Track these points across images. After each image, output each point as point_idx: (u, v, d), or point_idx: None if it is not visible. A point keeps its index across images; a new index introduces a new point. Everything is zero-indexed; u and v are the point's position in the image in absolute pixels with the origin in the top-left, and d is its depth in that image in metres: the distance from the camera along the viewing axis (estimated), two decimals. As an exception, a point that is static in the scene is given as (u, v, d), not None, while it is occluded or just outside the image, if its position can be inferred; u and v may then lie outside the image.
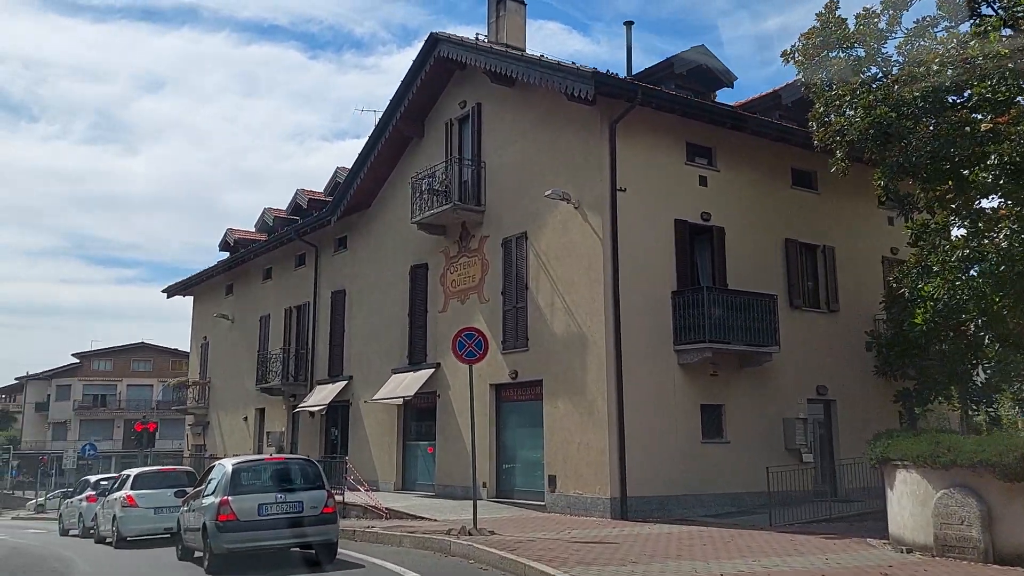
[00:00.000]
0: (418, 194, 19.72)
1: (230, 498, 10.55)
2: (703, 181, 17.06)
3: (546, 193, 16.03)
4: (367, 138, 22.07)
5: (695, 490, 15.71)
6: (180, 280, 35.38)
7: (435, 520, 15.08)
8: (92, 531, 18.14)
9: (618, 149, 15.73)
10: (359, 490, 18.70)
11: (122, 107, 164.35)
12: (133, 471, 16.94)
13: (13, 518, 42.86)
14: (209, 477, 11.77)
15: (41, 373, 78.52)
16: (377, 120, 21.83)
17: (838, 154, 14.24)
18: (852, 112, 13.61)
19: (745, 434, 16.64)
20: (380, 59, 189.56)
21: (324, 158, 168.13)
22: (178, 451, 43.72)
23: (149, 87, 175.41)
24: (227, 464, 11.29)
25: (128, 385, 77.02)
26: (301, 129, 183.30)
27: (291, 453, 26.60)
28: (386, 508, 16.97)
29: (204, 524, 10.73)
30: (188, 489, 13.82)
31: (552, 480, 16.08)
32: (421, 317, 20.89)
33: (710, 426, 16.31)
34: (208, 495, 11.10)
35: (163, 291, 36.68)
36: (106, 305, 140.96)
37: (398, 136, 21.49)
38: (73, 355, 77.54)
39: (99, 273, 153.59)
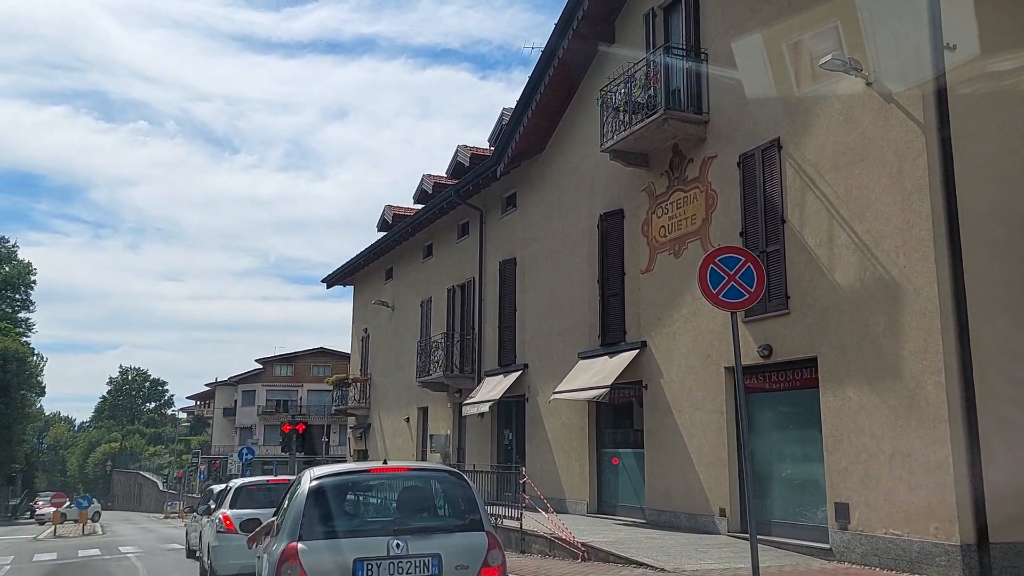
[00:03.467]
0: (610, 111, 14.48)
1: (300, 545, 5.56)
2: (1072, 37, 10.67)
3: (821, 62, 10.27)
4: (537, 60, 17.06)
5: (1093, 535, 9.41)
6: (338, 267, 32.13)
7: (662, 570, 9.71)
8: (206, 555, 14.11)
9: (941, -19, 9.78)
10: (540, 513, 13.70)
11: (311, 135, 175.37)
12: (236, 482, 12.54)
13: (185, 523, 41.65)
14: (287, 498, 6.73)
15: (228, 379, 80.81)
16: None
17: None
18: None
19: None
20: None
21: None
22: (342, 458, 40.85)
23: (334, 115, 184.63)
24: (305, 479, 6.20)
25: (308, 390, 77.77)
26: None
27: (457, 460, 22.06)
28: (581, 544, 11.81)
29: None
30: (262, 516, 8.74)
31: (842, 511, 10.25)
32: (616, 282, 15.61)
33: (1110, 429, 9.93)
34: (277, 534, 6.17)
35: (323, 280, 33.85)
36: (301, 319, 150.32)
37: (580, 46, 16.29)
38: (256, 360, 79.24)
39: (295, 291, 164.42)
